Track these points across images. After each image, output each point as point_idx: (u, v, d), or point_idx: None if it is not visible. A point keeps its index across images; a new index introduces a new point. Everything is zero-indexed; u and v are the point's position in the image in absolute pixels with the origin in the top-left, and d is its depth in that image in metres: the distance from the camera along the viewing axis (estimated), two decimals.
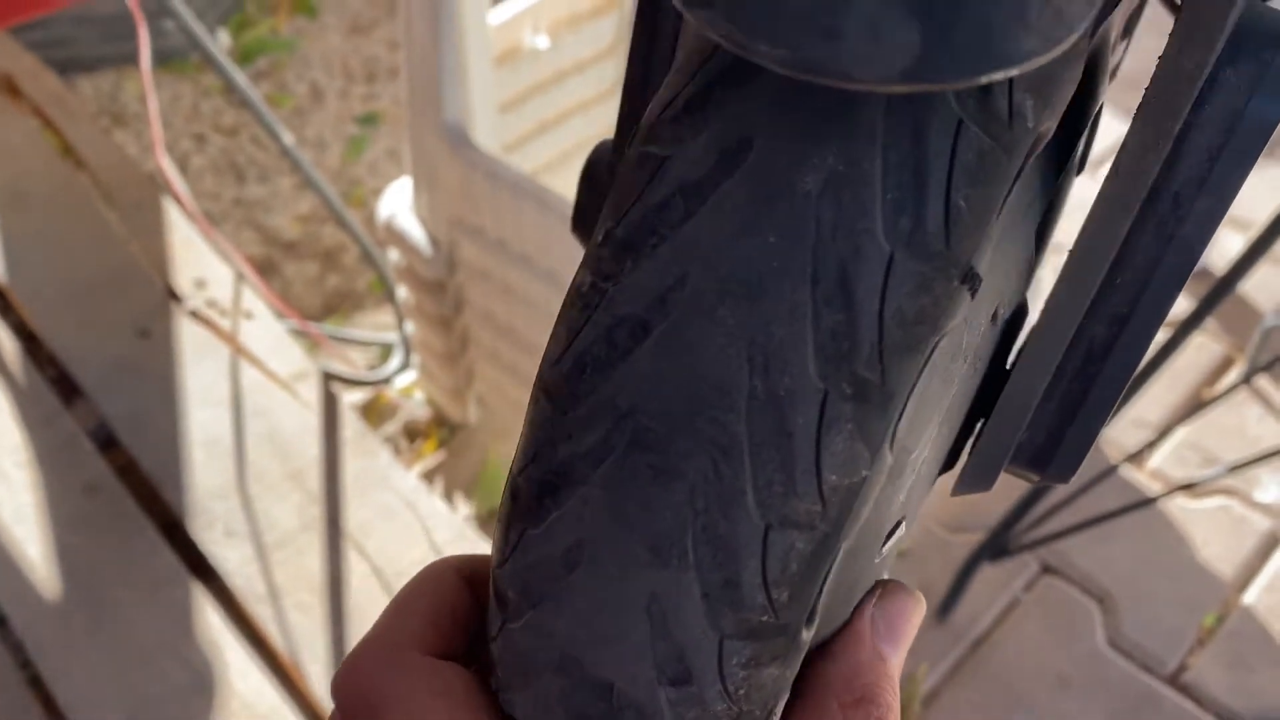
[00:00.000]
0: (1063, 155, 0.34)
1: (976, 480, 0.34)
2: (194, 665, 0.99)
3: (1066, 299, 0.31)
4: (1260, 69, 0.28)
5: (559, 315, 0.29)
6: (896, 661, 0.32)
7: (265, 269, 1.73)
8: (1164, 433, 1.10)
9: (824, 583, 0.28)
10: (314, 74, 2.08)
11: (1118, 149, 0.30)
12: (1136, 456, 1.39)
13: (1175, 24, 0.30)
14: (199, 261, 1.37)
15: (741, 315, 0.25)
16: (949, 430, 0.34)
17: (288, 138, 1.35)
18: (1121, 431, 1.41)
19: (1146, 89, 0.29)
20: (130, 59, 2.00)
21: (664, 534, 0.26)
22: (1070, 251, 0.30)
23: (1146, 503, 1.12)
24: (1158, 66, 0.29)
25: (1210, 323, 1.55)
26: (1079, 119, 0.33)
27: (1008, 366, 0.34)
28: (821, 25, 0.21)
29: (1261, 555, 1.30)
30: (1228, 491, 1.36)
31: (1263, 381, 1.48)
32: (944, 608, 1.22)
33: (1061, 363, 0.32)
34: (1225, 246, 1.66)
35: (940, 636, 1.22)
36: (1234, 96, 0.29)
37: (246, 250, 1.76)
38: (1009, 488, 1.11)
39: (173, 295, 1.33)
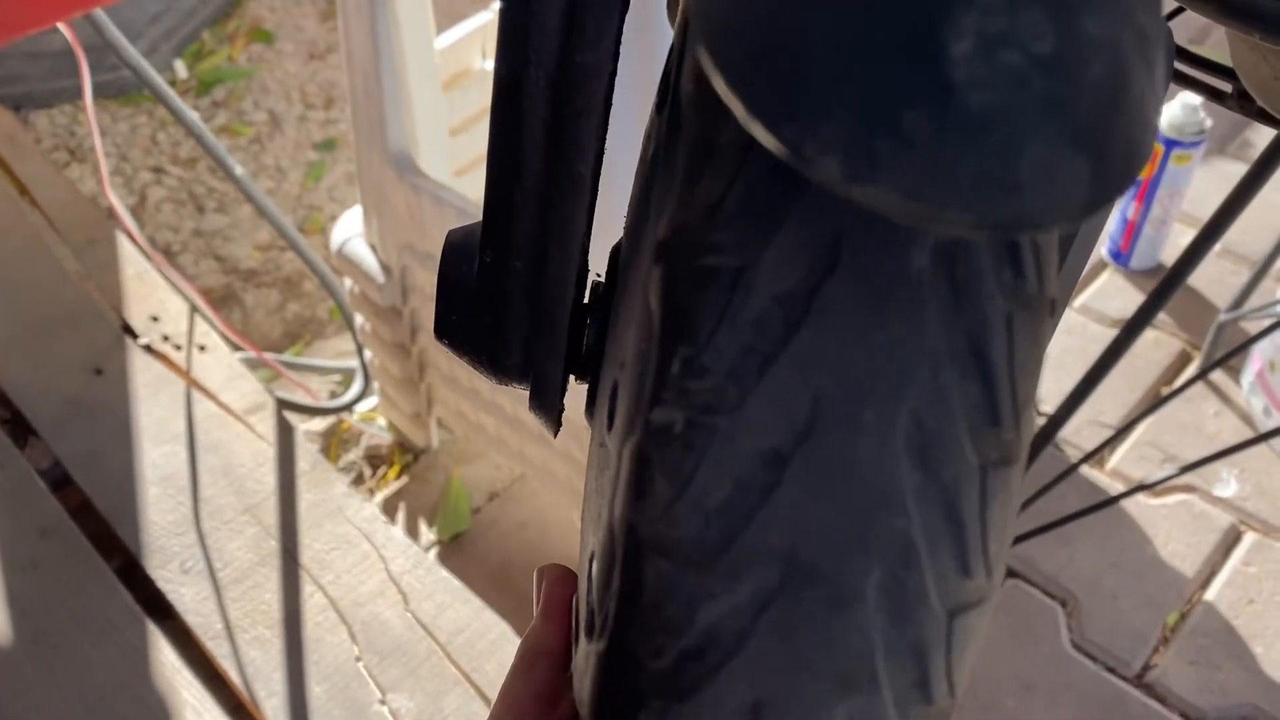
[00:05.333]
0: None
1: None
2: (149, 705, 0.98)
3: None
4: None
5: (639, 465, 0.26)
6: None
7: (226, 299, 1.73)
8: (1120, 431, 1.10)
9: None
10: (272, 101, 2.08)
11: None
12: (1095, 456, 1.40)
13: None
14: (153, 296, 1.37)
15: (889, 413, 0.24)
16: None
17: (238, 168, 1.34)
18: (1078, 432, 1.42)
19: None
20: (82, 94, 2.00)
21: (852, 662, 0.24)
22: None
23: (1105, 504, 1.12)
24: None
25: (1167, 321, 1.56)
26: None
27: None
28: (1000, 181, 0.20)
29: (1223, 551, 1.30)
30: (1188, 488, 1.36)
31: (1219, 377, 1.49)
32: None
33: None
34: (1179, 243, 1.67)
35: None
36: None
37: (207, 281, 1.75)
38: None
39: (128, 331, 1.32)
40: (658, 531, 0.25)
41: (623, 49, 0.30)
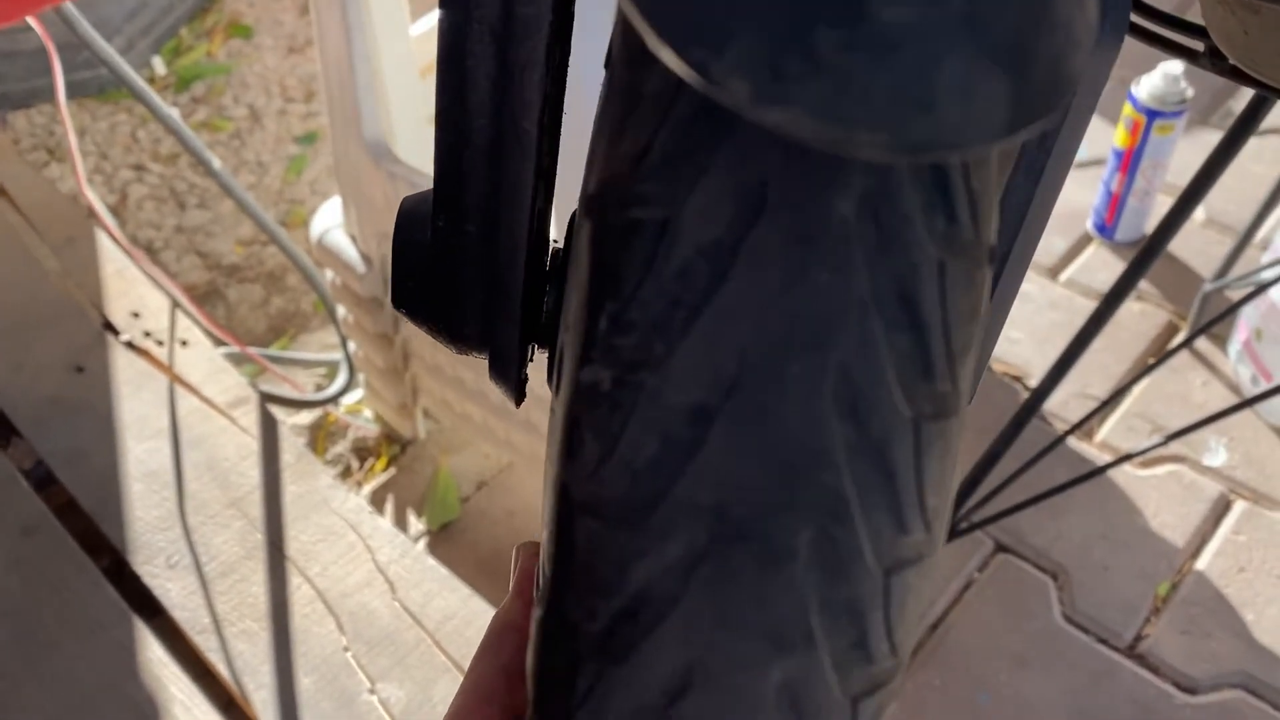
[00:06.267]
0: None
1: None
2: (137, 702, 0.98)
3: None
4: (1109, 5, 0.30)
5: (569, 424, 0.25)
6: None
7: (209, 294, 1.72)
8: (1105, 402, 1.10)
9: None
10: (251, 96, 2.06)
11: None
12: (1082, 427, 1.40)
13: None
14: (133, 292, 1.36)
15: (815, 366, 0.23)
16: None
17: (216, 162, 1.33)
18: (1066, 405, 1.42)
19: None
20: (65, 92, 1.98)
21: (785, 620, 0.24)
22: None
23: (1092, 474, 1.12)
24: None
25: (1153, 293, 1.56)
26: None
27: None
28: (914, 100, 0.19)
29: (1213, 520, 1.30)
30: (1177, 458, 1.36)
31: (1207, 347, 1.48)
32: None
33: None
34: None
35: None
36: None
37: (190, 277, 1.74)
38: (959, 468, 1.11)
39: (109, 328, 1.32)
40: (588, 491, 0.24)
41: (598, 14, 0.30)
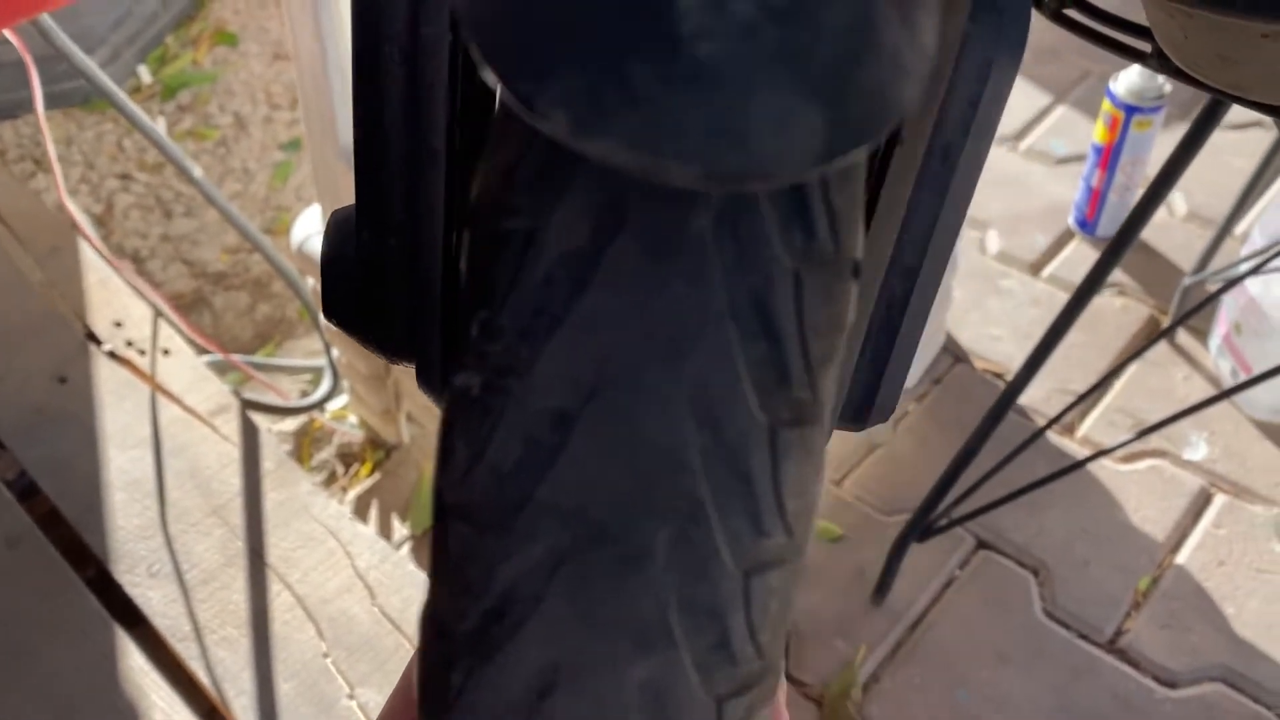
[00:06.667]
0: None
1: None
2: (119, 710, 0.98)
3: (869, 264, 0.32)
4: (999, 15, 0.30)
5: (445, 430, 0.26)
6: None
7: (195, 302, 1.73)
8: (1083, 396, 1.10)
9: (793, 612, 0.28)
10: (237, 103, 2.07)
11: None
12: (1064, 423, 1.40)
13: None
14: (116, 302, 1.37)
15: (671, 373, 0.24)
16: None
17: (196, 170, 1.34)
18: (1048, 401, 1.42)
19: None
20: (48, 102, 1.99)
21: (645, 620, 0.25)
22: (866, 220, 0.32)
23: (1069, 469, 1.12)
24: None
25: (1135, 288, 1.56)
26: None
27: None
28: (728, 131, 0.20)
29: (1193, 514, 1.31)
30: (1158, 453, 1.37)
31: (1188, 341, 1.49)
32: (879, 590, 1.23)
33: (870, 320, 0.34)
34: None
35: (878, 619, 1.22)
36: (984, 45, 0.30)
37: (176, 285, 1.75)
38: (937, 466, 1.11)
39: (91, 338, 1.32)
40: (459, 496, 0.25)
41: None
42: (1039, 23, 0.69)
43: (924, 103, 0.27)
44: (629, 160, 0.20)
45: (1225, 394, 0.99)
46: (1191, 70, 0.55)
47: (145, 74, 2.11)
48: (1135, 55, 0.61)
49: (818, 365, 0.25)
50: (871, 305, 0.33)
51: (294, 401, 1.47)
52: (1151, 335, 1.51)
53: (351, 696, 1.00)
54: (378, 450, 1.45)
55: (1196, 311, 1.06)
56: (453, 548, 0.25)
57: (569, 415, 0.24)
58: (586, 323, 0.24)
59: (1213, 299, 1.09)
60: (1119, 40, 0.62)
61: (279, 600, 1.07)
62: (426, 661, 0.26)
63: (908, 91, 0.22)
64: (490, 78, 0.21)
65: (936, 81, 0.29)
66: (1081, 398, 1.10)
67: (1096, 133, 1.55)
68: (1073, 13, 0.62)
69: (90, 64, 1.27)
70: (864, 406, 0.35)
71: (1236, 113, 1.79)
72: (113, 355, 1.30)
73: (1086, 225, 1.64)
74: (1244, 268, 1.28)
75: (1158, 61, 0.59)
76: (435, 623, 0.26)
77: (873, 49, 0.21)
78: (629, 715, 0.25)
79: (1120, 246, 0.91)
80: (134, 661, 1.03)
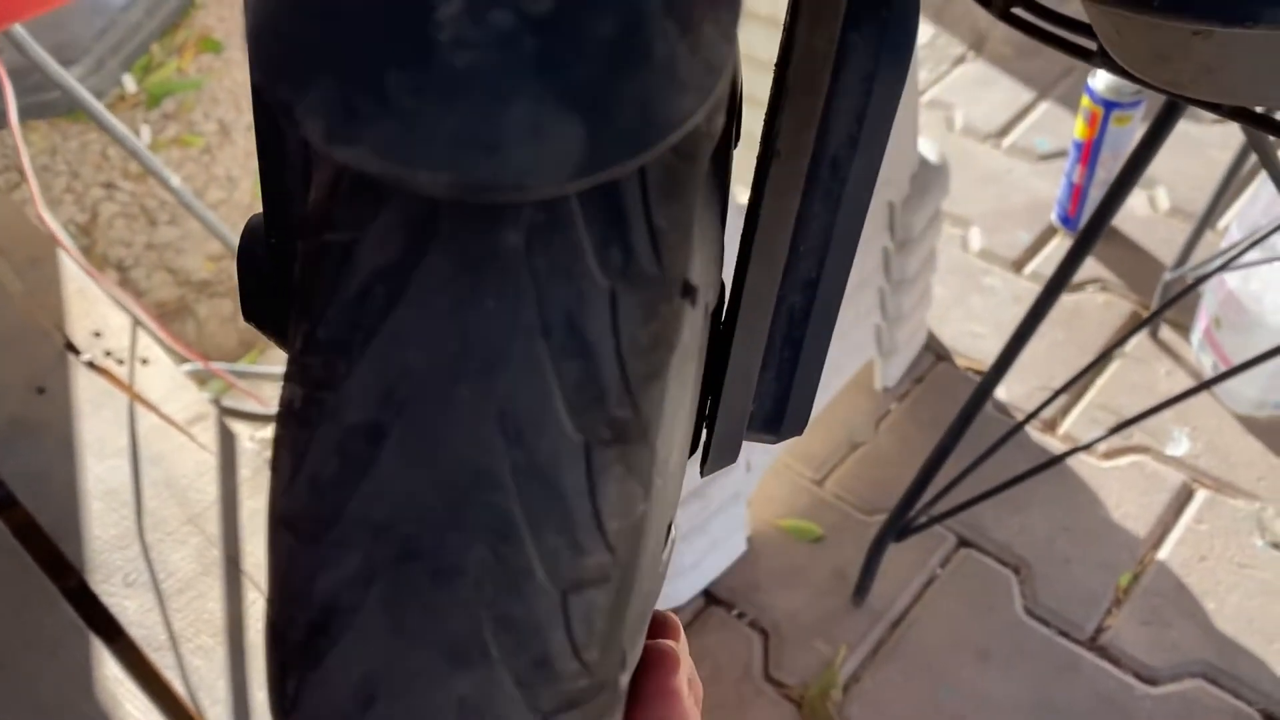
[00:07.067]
0: (723, 142, 0.35)
1: (722, 456, 0.36)
2: None
3: (760, 278, 0.32)
4: (880, 25, 0.30)
5: (275, 441, 0.27)
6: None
7: (180, 310, 1.73)
8: (1058, 392, 1.10)
9: (628, 626, 0.27)
10: (222, 111, 2.07)
11: (775, 132, 0.31)
12: (1044, 419, 1.40)
13: (797, 6, 0.30)
14: (95, 312, 1.37)
15: (482, 390, 0.24)
16: (688, 421, 0.34)
17: (174, 179, 1.34)
18: (1030, 398, 1.42)
19: (787, 71, 0.30)
20: (32, 112, 1.99)
21: (459, 635, 0.24)
22: (750, 232, 0.32)
23: (1048, 464, 1.12)
24: (793, 50, 0.30)
25: (1117, 283, 1.56)
26: (733, 108, 0.34)
27: (723, 346, 0.35)
28: (479, 141, 0.20)
29: (1175, 510, 1.31)
30: (1139, 449, 1.36)
31: (1171, 337, 1.48)
32: (859, 590, 1.22)
33: (770, 333, 0.34)
34: (1129, 204, 1.67)
35: (859, 619, 1.22)
36: (865, 57, 0.30)
37: (160, 294, 1.75)
38: (919, 465, 1.11)
39: (70, 348, 1.32)
40: (283, 506, 0.25)
41: None
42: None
43: (711, 117, 0.27)
44: (380, 168, 0.20)
45: (1202, 386, 0.99)
46: (1131, 68, 0.55)
47: (130, 83, 2.11)
48: (1082, 54, 0.61)
49: (639, 384, 0.25)
50: (766, 318, 0.33)
51: (276, 409, 1.47)
52: (1136, 331, 1.51)
53: None
54: None
55: (1174, 303, 1.06)
56: (279, 557, 0.26)
57: (381, 429, 0.24)
58: (398, 337, 0.24)
59: (1188, 291, 1.09)
60: (1066, 39, 0.62)
61: (255, 608, 1.07)
62: (269, 669, 0.27)
63: (684, 105, 0.21)
64: (258, 84, 0.21)
65: (725, 96, 0.28)
66: (1058, 392, 1.10)
67: (1077, 129, 1.54)
68: (1020, 11, 0.62)
69: (64, 74, 1.28)
70: (775, 418, 0.35)
71: None
72: (91, 365, 1.30)
73: (1069, 221, 1.63)
74: (1220, 261, 1.28)
75: (1102, 59, 0.59)
76: (272, 631, 0.26)
77: (642, 61, 0.21)
78: None
79: (1088, 238, 0.91)
80: (109, 671, 1.03)
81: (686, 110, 0.22)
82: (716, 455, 0.35)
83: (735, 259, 0.32)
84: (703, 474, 0.36)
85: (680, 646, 0.33)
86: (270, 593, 0.26)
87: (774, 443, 0.36)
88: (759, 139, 0.31)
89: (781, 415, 0.35)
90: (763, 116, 0.31)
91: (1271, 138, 0.93)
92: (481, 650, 0.24)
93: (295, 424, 0.25)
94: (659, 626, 0.34)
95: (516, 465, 0.24)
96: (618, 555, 0.26)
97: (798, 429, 0.36)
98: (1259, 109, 0.59)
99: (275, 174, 0.32)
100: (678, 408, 0.29)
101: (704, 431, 0.35)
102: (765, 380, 0.34)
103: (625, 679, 0.28)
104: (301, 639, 0.25)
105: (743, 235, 0.32)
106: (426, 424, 0.24)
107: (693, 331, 0.29)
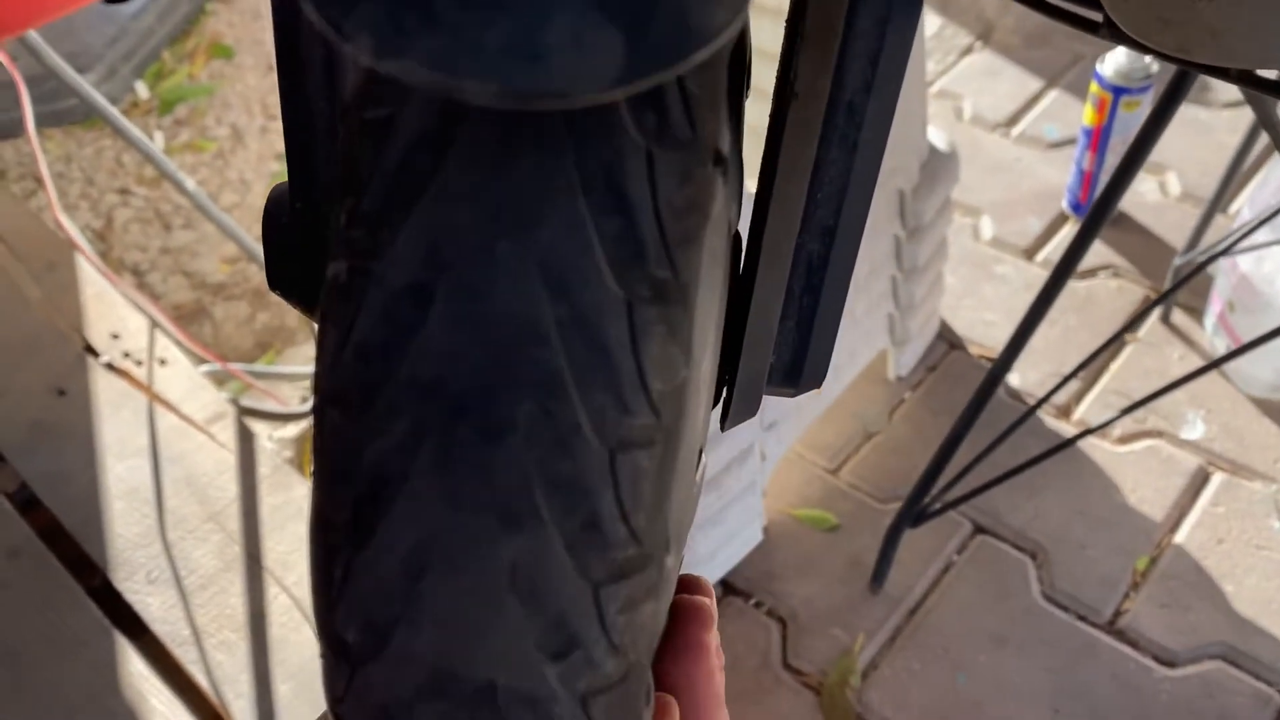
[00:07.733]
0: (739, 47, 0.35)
1: (743, 409, 0.36)
2: (119, 716, 1.00)
3: (779, 225, 0.32)
4: None
5: (321, 322, 0.27)
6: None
7: (196, 313, 1.74)
8: (1070, 375, 1.10)
9: (673, 502, 0.27)
10: (234, 116, 2.09)
11: (792, 77, 0.31)
12: (1059, 405, 1.40)
13: None
14: (113, 314, 1.38)
15: (524, 245, 0.24)
16: (713, 362, 0.35)
17: (189, 183, 1.35)
18: (1042, 384, 1.42)
19: (803, 18, 0.31)
20: (47, 121, 2.01)
21: (510, 496, 0.24)
22: (769, 180, 0.32)
23: (1060, 447, 1.12)
24: None
25: (1129, 269, 1.56)
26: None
27: (743, 296, 0.35)
28: (523, 51, 0.21)
29: (1191, 493, 1.30)
30: (1154, 433, 1.36)
31: (1184, 321, 1.48)
32: (876, 578, 1.23)
33: (789, 284, 0.34)
34: (1139, 190, 1.66)
35: (876, 607, 1.22)
36: (878, 1, 0.30)
37: (176, 297, 1.76)
38: (933, 453, 1.11)
39: (89, 350, 1.34)
40: (330, 384, 0.26)
41: None
42: (1025, 8, 0.69)
43: (739, 30, 0.28)
44: (428, 80, 0.21)
45: (1213, 365, 0.99)
46: (1137, 35, 0.55)
47: (142, 89, 2.13)
48: (1088, 25, 0.61)
49: (676, 244, 0.26)
50: (786, 267, 0.33)
51: (294, 408, 1.48)
52: (1148, 316, 1.50)
53: None
54: None
55: (1184, 284, 1.06)
56: (327, 436, 0.26)
57: (426, 290, 0.24)
58: (440, 199, 0.24)
59: (1198, 271, 1.09)
60: (1072, 12, 0.62)
61: (276, 603, 1.08)
62: (313, 564, 0.27)
63: (718, 18, 0.22)
64: (304, 5, 0.22)
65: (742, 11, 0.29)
66: (1070, 376, 1.10)
67: (1086, 115, 1.54)
68: None
69: (80, 81, 1.29)
70: (794, 370, 0.36)
71: (1228, 91, 1.78)
72: (110, 367, 1.31)
73: (1080, 208, 1.63)
74: (1229, 241, 1.28)
75: (1109, 30, 0.59)
76: (318, 521, 0.26)
77: None
78: (502, 596, 0.25)
79: (1097, 219, 0.91)
80: (134, 667, 1.04)
81: (718, 23, 0.22)
82: (739, 407, 0.35)
83: (752, 210, 0.33)
84: (723, 428, 0.37)
85: (712, 605, 0.33)
86: (315, 484, 0.26)
87: (793, 395, 0.36)
88: (770, 95, 0.31)
89: (800, 367, 0.35)
90: (774, 71, 0.31)
91: None
92: (532, 511, 0.24)
93: (341, 297, 0.25)
94: (692, 584, 0.34)
95: (561, 319, 0.24)
96: (662, 419, 0.26)
97: (816, 381, 0.36)
98: (1265, 74, 0.59)
99: (300, 140, 0.33)
100: (713, 283, 0.29)
101: (725, 388, 0.36)
102: (785, 330, 0.34)
103: (671, 564, 0.28)
104: (349, 518, 0.25)
105: (759, 184, 0.32)
106: (470, 281, 0.24)
107: (723, 207, 0.30)
